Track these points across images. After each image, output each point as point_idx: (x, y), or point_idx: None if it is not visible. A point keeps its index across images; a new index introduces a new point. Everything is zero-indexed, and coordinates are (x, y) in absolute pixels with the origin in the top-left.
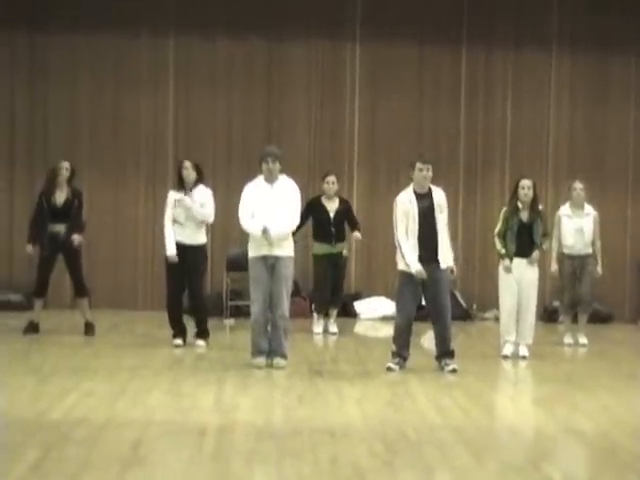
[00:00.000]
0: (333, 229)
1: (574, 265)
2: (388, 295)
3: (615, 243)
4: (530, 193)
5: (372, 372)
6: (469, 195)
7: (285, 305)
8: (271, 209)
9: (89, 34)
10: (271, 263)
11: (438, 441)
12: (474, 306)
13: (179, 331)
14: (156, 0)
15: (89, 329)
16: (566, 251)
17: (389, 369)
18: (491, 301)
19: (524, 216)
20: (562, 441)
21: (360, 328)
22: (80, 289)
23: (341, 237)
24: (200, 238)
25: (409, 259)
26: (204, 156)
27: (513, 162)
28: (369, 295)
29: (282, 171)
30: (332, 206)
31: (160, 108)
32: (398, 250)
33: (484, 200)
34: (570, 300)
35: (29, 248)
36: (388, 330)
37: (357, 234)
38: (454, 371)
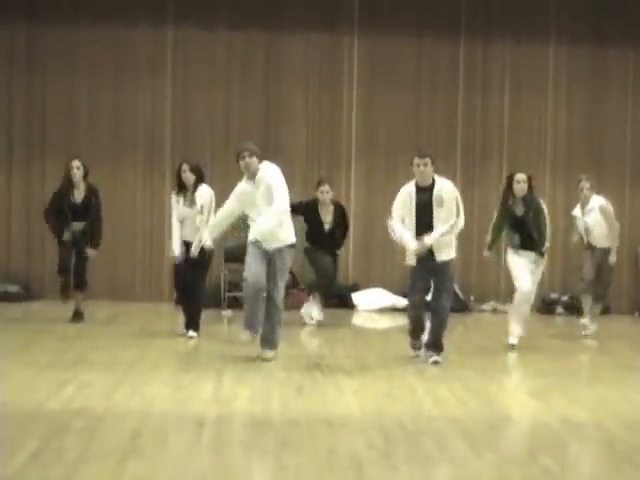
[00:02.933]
0: (326, 241)
1: (595, 256)
2: (386, 287)
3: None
4: (525, 187)
5: (370, 364)
6: (467, 186)
7: (280, 296)
8: (256, 208)
9: (87, 26)
10: (268, 256)
11: (435, 432)
12: (472, 298)
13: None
14: None
15: (78, 316)
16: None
17: (417, 356)
18: (489, 293)
19: (519, 210)
20: (559, 432)
21: (358, 320)
22: (82, 284)
23: (330, 245)
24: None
25: (405, 239)
26: (202, 148)
27: (510, 154)
28: (367, 287)
29: (261, 161)
30: (327, 218)
31: (158, 99)
32: (395, 237)
33: (482, 191)
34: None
35: (66, 235)
36: (386, 322)
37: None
38: (436, 363)
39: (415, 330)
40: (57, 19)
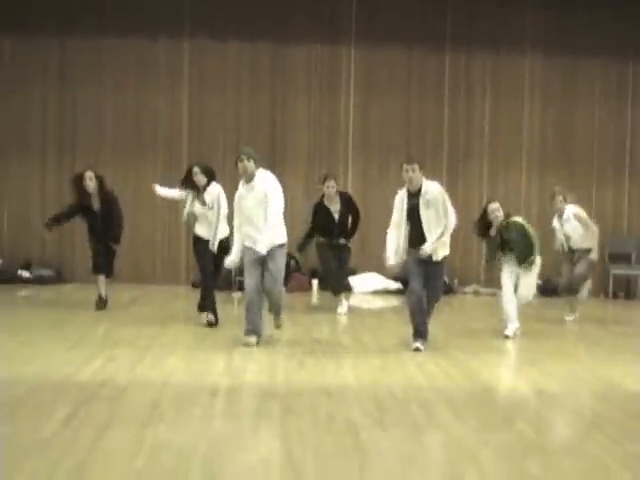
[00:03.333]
0: (336, 230)
1: (575, 257)
2: (379, 271)
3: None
4: (500, 214)
5: (365, 340)
6: (452, 182)
7: (277, 292)
8: (252, 214)
9: (112, 39)
10: (261, 257)
11: (423, 401)
12: (455, 281)
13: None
14: (172, 7)
15: (103, 302)
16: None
17: (416, 349)
18: (471, 277)
19: (505, 234)
20: (534, 402)
21: (355, 301)
22: (110, 269)
23: (343, 233)
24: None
25: (387, 252)
26: (214, 149)
27: (491, 153)
28: (363, 271)
29: (258, 166)
30: (335, 207)
31: (176, 105)
32: None
33: (465, 186)
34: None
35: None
36: (380, 302)
37: (353, 226)
38: (417, 350)
39: (415, 317)
40: (85, 34)
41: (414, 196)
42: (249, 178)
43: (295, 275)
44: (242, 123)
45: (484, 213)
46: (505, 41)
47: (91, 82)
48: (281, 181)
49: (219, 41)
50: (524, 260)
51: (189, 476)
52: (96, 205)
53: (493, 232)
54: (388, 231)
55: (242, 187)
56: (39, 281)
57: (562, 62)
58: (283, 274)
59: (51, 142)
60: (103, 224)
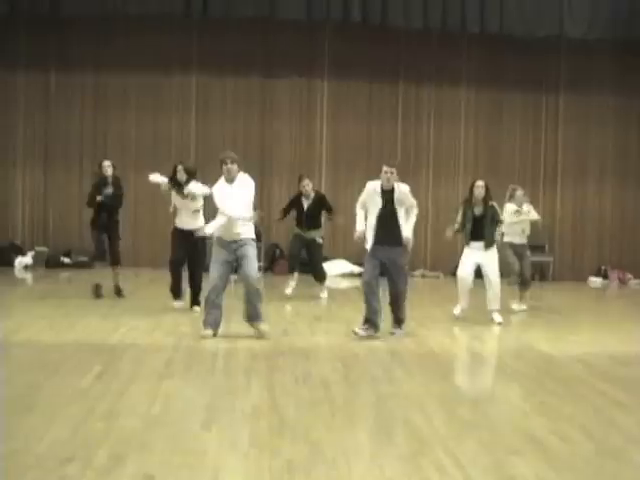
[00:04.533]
0: (305, 219)
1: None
2: (346, 258)
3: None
4: (482, 191)
5: (335, 313)
6: None
7: (252, 279)
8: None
9: (136, 74)
10: (234, 247)
11: (380, 361)
12: (406, 266)
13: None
14: (183, 50)
15: (119, 292)
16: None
17: (355, 333)
18: (419, 262)
19: (477, 210)
20: (465, 360)
21: (327, 282)
22: (118, 261)
23: (313, 225)
24: (195, 224)
25: (357, 225)
26: (216, 162)
27: (435, 166)
28: (333, 258)
29: (239, 170)
30: (307, 202)
31: (185, 127)
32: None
33: (414, 192)
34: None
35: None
36: (346, 283)
37: (330, 217)
38: (392, 334)
39: (368, 304)
40: (114, 70)
41: (387, 193)
42: (232, 179)
43: (280, 261)
44: (238, 141)
45: (471, 187)
46: (446, 77)
47: (118, 108)
48: (269, 186)
49: (219, 77)
50: (489, 245)
51: (195, 419)
52: (109, 188)
53: (477, 210)
54: (357, 209)
55: (225, 185)
56: (77, 265)
57: (490, 94)
58: (256, 263)
59: (87, 154)
60: (112, 203)
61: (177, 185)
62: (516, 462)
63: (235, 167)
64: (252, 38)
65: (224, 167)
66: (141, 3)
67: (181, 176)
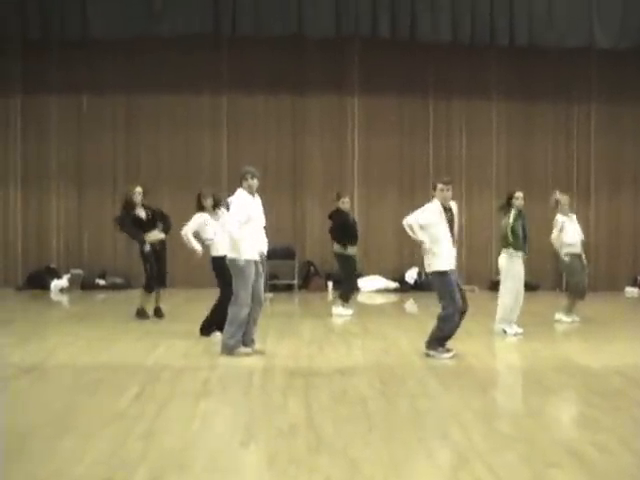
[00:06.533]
0: (354, 236)
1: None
2: (381, 274)
3: (539, 235)
4: (521, 201)
5: (371, 329)
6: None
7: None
8: (260, 217)
9: (168, 95)
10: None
11: (417, 376)
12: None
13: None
14: (214, 70)
15: (160, 313)
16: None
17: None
18: (473, 277)
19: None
20: (503, 374)
21: (361, 298)
22: (165, 282)
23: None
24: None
25: (423, 238)
26: None
27: (467, 179)
28: (367, 274)
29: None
30: (351, 219)
31: (217, 145)
32: (412, 233)
33: None
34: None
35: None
36: (381, 299)
37: None
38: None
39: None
40: (146, 91)
41: (447, 210)
42: (254, 192)
43: (314, 278)
44: (269, 158)
45: (509, 197)
46: (476, 90)
47: (151, 129)
48: (302, 203)
49: (250, 95)
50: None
51: (233, 438)
52: (140, 213)
53: (512, 216)
54: (414, 224)
55: (250, 197)
56: (112, 287)
57: (521, 106)
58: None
59: (120, 176)
60: (149, 229)
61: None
62: (555, 475)
63: (256, 182)
64: (281, 55)
65: (251, 182)
66: (170, 23)
67: (208, 203)
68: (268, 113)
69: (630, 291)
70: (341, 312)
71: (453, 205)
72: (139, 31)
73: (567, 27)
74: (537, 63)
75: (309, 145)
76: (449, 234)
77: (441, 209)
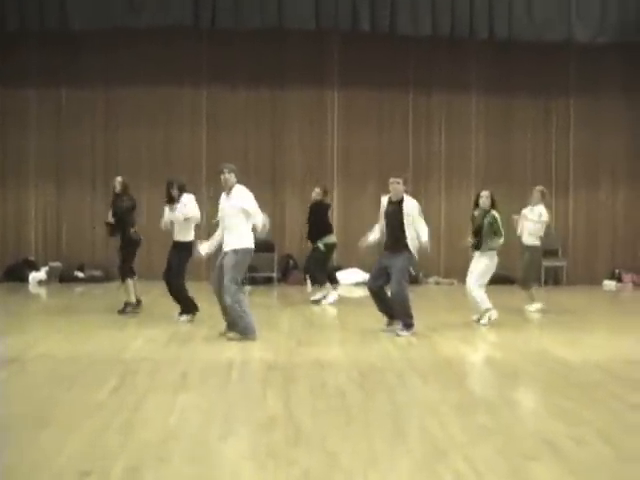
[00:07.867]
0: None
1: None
2: (359, 267)
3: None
4: (487, 201)
5: (349, 322)
6: (416, 197)
7: (228, 292)
8: (221, 212)
9: (147, 88)
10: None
11: (396, 369)
12: (420, 273)
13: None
14: (194, 63)
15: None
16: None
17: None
18: (432, 269)
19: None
20: (480, 366)
21: (340, 291)
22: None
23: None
24: (184, 237)
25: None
26: None
27: (447, 174)
28: (346, 267)
29: (237, 180)
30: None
31: (196, 140)
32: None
33: (427, 201)
34: None
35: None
36: (360, 292)
37: None
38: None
39: (376, 304)
40: (125, 84)
41: (394, 204)
42: (229, 188)
43: (293, 272)
44: (249, 152)
45: (477, 197)
46: (455, 84)
47: (129, 122)
48: (281, 197)
49: (230, 89)
50: (478, 246)
51: (212, 430)
52: (120, 203)
53: (476, 212)
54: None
55: (223, 196)
56: (91, 280)
57: (500, 100)
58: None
59: (99, 170)
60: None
61: (171, 201)
62: (533, 467)
63: (232, 176)
64: (261, 49)
65: (221, 177)
66: (149, 16)
67: (175, 192)
68: (248, 106)
69: (608, 284)
70: (328, 299)
71: (410, 203)
72: (118, 23)
73: (546, 22)
74: (516, 58)
75: (288, 138)
76: (381, 225)
77: (384, 202)
